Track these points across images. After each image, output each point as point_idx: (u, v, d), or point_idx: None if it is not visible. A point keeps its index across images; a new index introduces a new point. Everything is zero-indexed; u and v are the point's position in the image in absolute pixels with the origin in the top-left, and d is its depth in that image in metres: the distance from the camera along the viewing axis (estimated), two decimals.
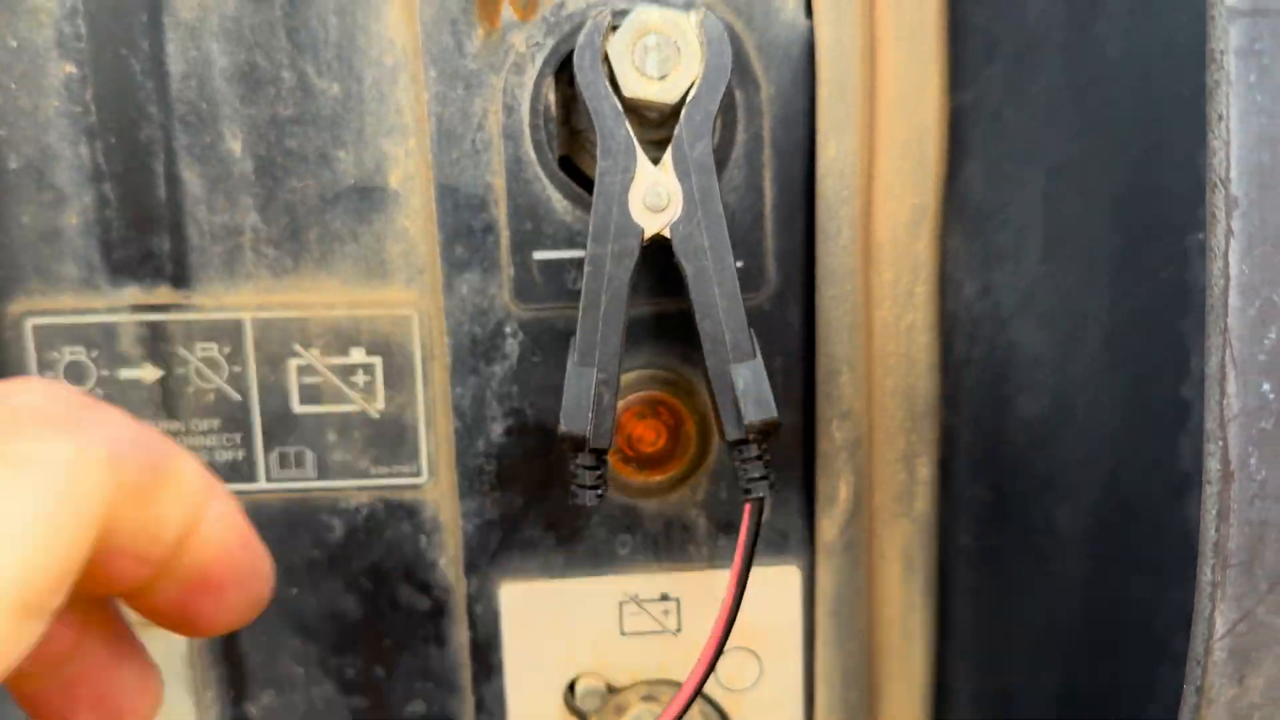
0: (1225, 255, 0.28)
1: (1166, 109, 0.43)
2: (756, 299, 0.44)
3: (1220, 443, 0.29)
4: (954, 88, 0.43)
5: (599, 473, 0.39)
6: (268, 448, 0.45)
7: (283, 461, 0.45)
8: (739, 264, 0.43)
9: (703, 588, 0.46)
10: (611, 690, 0.47)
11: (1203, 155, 0.29)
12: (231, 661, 0.47)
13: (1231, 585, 0.29)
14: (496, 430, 0.44)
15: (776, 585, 0.46)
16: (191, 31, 0.42)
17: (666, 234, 0.39)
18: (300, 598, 0.46)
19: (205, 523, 0.27)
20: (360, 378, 0.44)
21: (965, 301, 0.45)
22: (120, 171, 0.42)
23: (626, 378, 0.44)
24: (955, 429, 0.46)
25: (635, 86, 0.39)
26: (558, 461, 0.45)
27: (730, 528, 0.46)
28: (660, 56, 0.38)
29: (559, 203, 0.42)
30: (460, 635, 0.47)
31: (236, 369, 0.44)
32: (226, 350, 0.44)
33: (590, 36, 0.38)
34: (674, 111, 0.39)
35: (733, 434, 0.39)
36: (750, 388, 0.38)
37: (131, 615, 0.32)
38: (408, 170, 0.43)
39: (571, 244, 0.43)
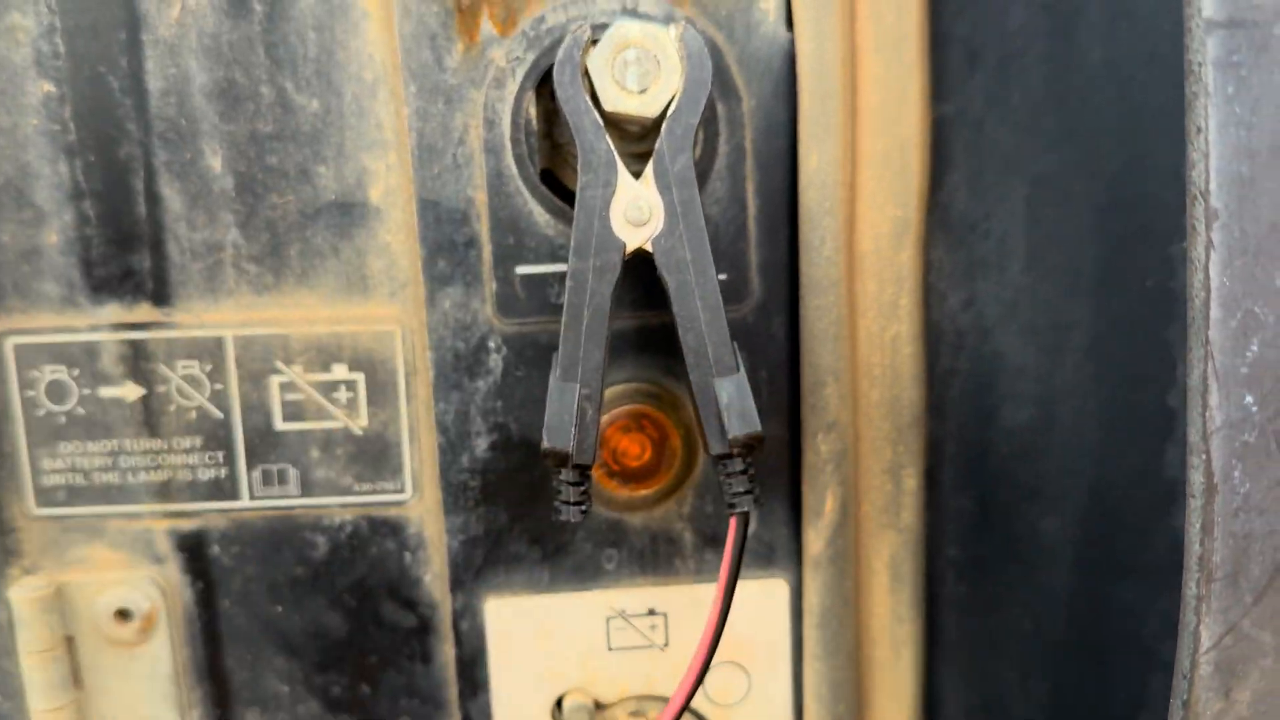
0: (1206, 267, 0.28)
1: (1149, 117, 0.43)
2: (741, 311, 0.44)
3: (1204, 456, 0.29)
4: (935, 99, 0.43)
5: (583, 489, 0.39)
6: (250, 465, 0.45)
7: (266, 479, 0.45)
8: (722, 276, 0.43)
9: (690, 602, 0.46)
10: (599, 706, 0.47)
11: (1186, 163, 0.29)
12: (217, 680, 0.47)
13: (1217, 599, 0.29)
14: (480, 445, 0.44)
15: (764, 598, 0.46)
16: (170, 49, 0.41)
17: (648, 248, 0.39)
18: (285, 615, 0.46)
19: None
20: (343, 394, 0.44)
21: (949, 312, 0.45)
22: (100, 189, 0.42)
23: (611, 391, 0.44)
24: (941, 440, 0.46)
25: (615, 101, 0.38)
26: (542, 477, 0.44)
27: (717, 541, 0.46)
28: (640, 70, 0.38)
29: (541, 216, 0.42)
30: (446, 652, 0.47)
31: (218, 386, 0.44)
32: (208, 368, 0.44)
33: (570, 51, 0.38)
34: (655, 125, 0.39)
35: (717, 448, 0.39)
36: (733, 401, 0.38)
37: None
38: (389, 185, 0.43)
39: (554, 258, 0.43)
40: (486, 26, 0.41)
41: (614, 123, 0.39)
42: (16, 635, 0.44)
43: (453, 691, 0.47)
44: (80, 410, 0.44)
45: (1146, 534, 0.47)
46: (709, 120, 0.42)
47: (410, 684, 0.47)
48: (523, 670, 0.46)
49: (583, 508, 0.39)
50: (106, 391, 0.44)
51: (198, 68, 0.42)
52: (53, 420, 0.44)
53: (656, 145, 0.38)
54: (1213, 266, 0.28)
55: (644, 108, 0.38)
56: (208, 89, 0.42)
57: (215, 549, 0.45)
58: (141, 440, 0.44)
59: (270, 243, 0.43)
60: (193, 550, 0.45)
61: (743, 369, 0.38)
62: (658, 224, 0.39)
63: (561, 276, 0.42)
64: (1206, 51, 0.28)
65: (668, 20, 0.40)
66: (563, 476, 0.39)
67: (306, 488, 0.45)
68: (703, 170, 0.42)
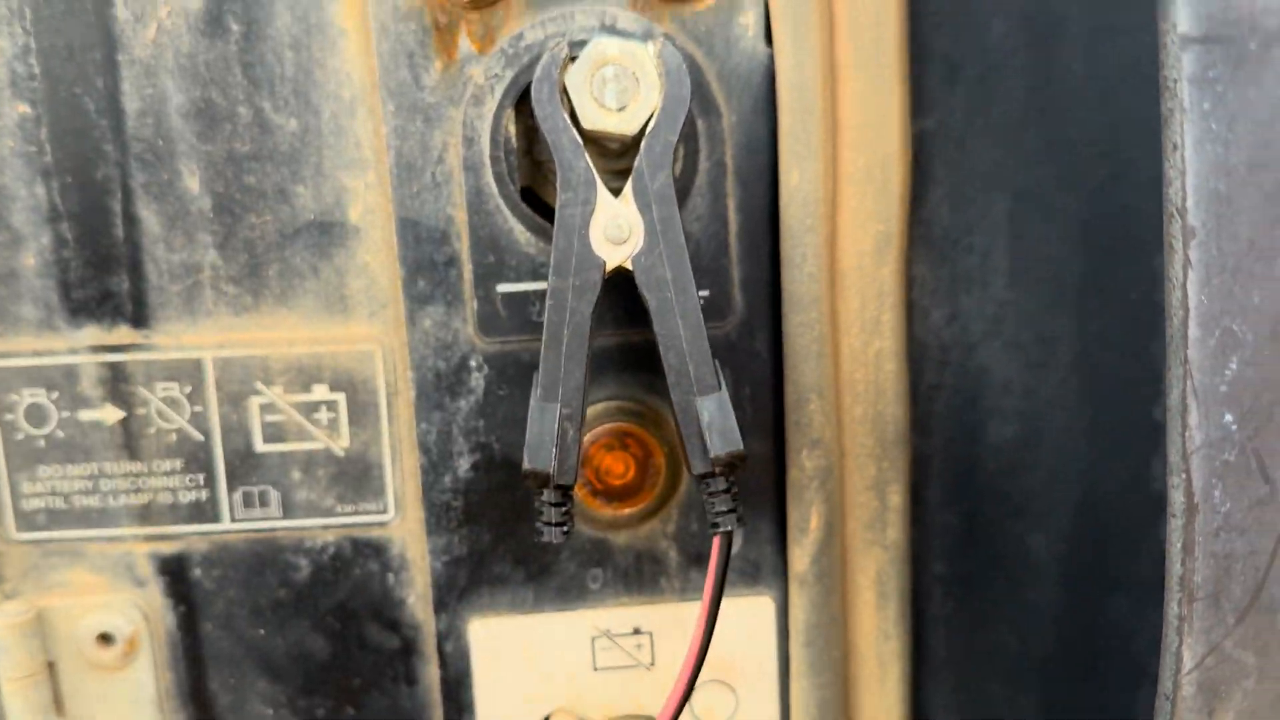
0: (1184, 286, 0.28)
1: (1130, 131, 0.43)
2: (723, 328, 0.43)
3: (1184, 475, 0.29)
4: (916, 114, 0.43)
5: (564, 509, 0.38)
6: (231, 488, 0.44)
7: (247, 501, 0.44)
8: (704, 293, 0.43)
9: (676, 621, 0.46)
10: None
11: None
12: (200, 704, 0.46)
13: (1199, 619, 0.29)
14: (463, 465, 0.44)
15: (750, 616, 0.46)
16: (146, 69, 0.41)
17: (629, 266, 0.38)
18: (267, 638, 0.46)
19: None
20: (324, 415, 0.44)
21: (933, 327, 0.45)
22: (77, 211, 0.42)
23: (594, 409, 0.44)
24: (926, 456, 0.46)
25: (594, 118, 0.38)
26: (525, 496, 0.44)
27: (702, 559, 0.45)
28: (619, 88, 0.38)
29: (522, 234, 0.42)
30: (430, 673, 0.46)
31: (198, 408, 0.44)
32: (188, 390, 0.43)
33: (547, 69, 0.38)
34: (634, 142, 0.38)
35: (699, 468, 0.38)
36: (715, 420, 0.38)
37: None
38: (368, 204, 0.42)
39: (535, 276, 0.42)
40: (465, 44, 0.41)
41: (593, 140, 0.39)
42: None
43: (438, 713, 0.46)
44: (60, 433, 0.43)
45: (1134, 548, 0.47)
46: (689, 137, 0.42)
47: (395, 706, 0.47)
48: (508, 691, 0.46)
49: (565, 528, 0.38)
50: (86, 414, 0.43)
51: (174, 88, 0.41)
52: (32, 444, 0.44)
53: (636, 163, 0.38)
54: (1190, 285, 0.28)
55: (623, 125, 0.38)
56: (185, 109, 0.41)
57: (197, 572, 0.45)
58: (122, 463, 0.44)
59: (249, 263, 0.43)
60: (174, 573, 0.45)
61: (725, 387, 0.38)
62: (638, 242, 0.38)
63: (543, 294, 0.42)
64: (1182, 67, 0.28)
65: (646, 37, 0.40)
66: (544, 497, 0.38)
67: (288, 509, 0.45)
68: (683, 187, 0.42)
